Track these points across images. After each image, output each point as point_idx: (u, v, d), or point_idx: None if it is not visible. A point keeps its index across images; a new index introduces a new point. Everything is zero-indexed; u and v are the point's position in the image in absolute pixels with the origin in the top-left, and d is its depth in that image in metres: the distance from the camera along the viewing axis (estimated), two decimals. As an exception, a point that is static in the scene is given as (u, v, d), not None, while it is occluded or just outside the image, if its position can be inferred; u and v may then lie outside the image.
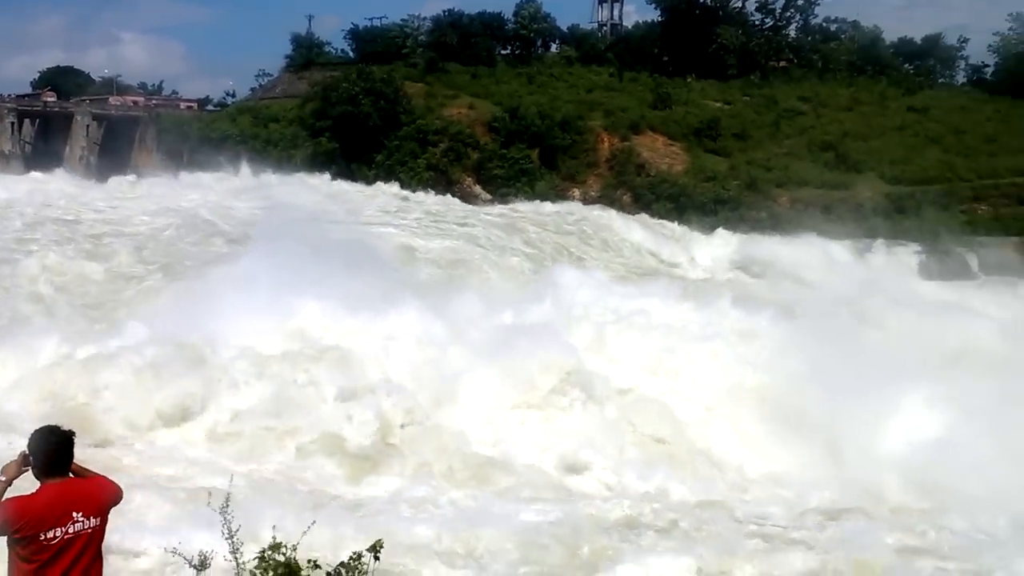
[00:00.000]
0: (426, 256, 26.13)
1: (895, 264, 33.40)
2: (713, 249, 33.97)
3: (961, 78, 59.11)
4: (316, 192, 34.85)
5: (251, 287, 16.51)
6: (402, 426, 14.02)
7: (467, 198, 39.01)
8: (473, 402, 15.32)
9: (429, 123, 42.15)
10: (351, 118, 41.19)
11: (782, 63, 56.75)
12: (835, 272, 30.56)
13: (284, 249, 18.97)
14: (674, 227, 36.00)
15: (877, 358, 18.70)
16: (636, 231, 34.02)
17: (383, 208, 33.31)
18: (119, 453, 12.59)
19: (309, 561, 4.61)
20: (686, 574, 10.34)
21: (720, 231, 35.32)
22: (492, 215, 34.03)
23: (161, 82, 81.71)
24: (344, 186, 37.65)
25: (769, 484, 15.05)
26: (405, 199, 36.25)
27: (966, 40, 58.64)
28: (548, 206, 36.41)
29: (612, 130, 42.76)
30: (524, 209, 35.77)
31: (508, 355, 15.94)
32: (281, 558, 4.48)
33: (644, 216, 36.68)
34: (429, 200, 36.41)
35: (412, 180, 39.28)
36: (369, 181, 38.83)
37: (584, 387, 16.12)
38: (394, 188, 37.80)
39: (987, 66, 57.09)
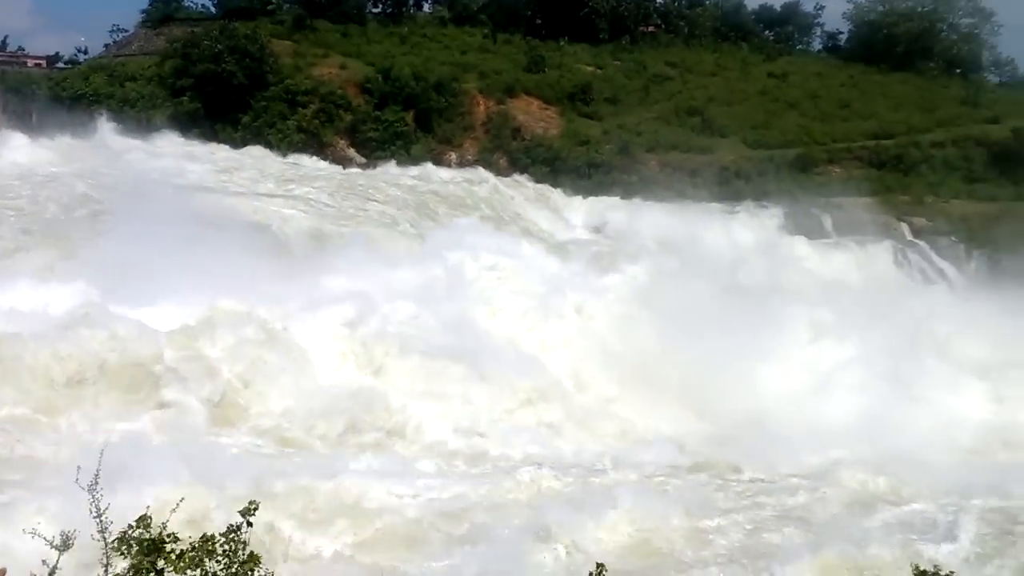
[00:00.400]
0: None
1: (757, 224, 34.92)
2: (587, 212, 34.63)
3: (817, 45, 62.03)
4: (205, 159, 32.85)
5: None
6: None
7: (340, 161, 38.14)
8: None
9: (298, 83, 40.82)
10: (214, 77, 39.42)
11: (650, 28, 57.90)
12: (701, 233, 31.73)
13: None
14: (552, 191, 36.40)
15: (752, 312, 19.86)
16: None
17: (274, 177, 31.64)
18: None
19: (170, 535, 4.44)
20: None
21: (592, 195, 36.10)
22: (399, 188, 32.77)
23: (5, 37, 75.40)
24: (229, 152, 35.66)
25: (645, 440, 15.70)
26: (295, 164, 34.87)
27: (822, 8, 61.56)
28: (444, 173, 36.02)
29: (487, 93, 42.63)
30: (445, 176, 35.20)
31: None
32: (148, 533, 4.31)
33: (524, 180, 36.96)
34: (328, 169, 35.09)
35: (282, 143, 38.07)
36: (235, 143, 37.35)
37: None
38: (260, 151, 36.38)
39: (841, 33, 60.14)
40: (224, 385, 13.87)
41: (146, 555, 4.26)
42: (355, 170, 35.97)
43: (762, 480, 13.92)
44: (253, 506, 4.67)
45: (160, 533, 4.34)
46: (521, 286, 20.01)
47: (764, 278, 25.67)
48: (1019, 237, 35.50)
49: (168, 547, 4.34)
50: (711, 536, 11.54)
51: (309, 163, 35.81)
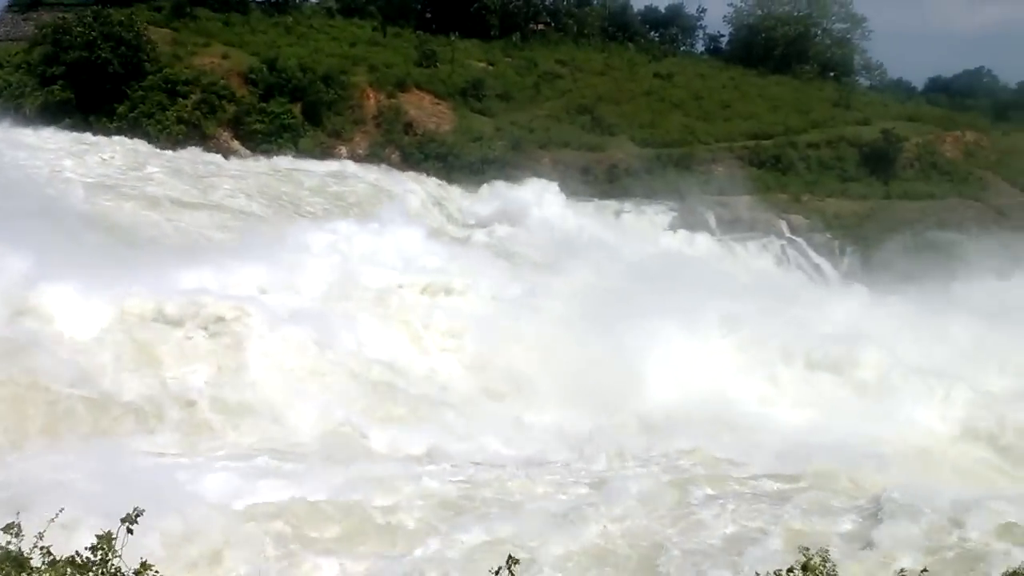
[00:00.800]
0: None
1: (646, 222, 35.77)
2: (479, 207, 34.65)
3: (700, 47, 63.81)
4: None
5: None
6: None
7: (225, 154, 36.81)
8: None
9: (178, 73, 39.08)
10: (87, 65, 37.30)
11: (540, 26, 58.27)
12: (592, 229, 32.28)
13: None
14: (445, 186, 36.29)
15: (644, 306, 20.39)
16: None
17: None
18: None
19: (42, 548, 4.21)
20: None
21: (485, 188, 36.16)
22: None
23: None
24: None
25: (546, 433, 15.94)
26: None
27: (704, 10, 63.24)
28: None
29: (378, 87, 41.96)
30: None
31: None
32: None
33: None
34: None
35: (161, 134, 36.42)
36: (111, 135, 35.49)
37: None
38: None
39: (723, 36, 62.06)
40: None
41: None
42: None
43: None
44: (136, 513, 4.51)
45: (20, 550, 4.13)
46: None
47: (658, 273, 26.32)
48: (887, 234, 37.72)
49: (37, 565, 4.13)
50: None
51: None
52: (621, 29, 59.09)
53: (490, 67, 48.45)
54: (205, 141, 37.34)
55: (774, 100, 48.90)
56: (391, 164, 37.73)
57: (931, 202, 40.32)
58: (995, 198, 41.70)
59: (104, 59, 37.29)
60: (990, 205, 40.79)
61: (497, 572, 5.08)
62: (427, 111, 42.08)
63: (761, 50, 55.25)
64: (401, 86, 42.53)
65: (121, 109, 37.35)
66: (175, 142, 36.01)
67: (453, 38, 51.16)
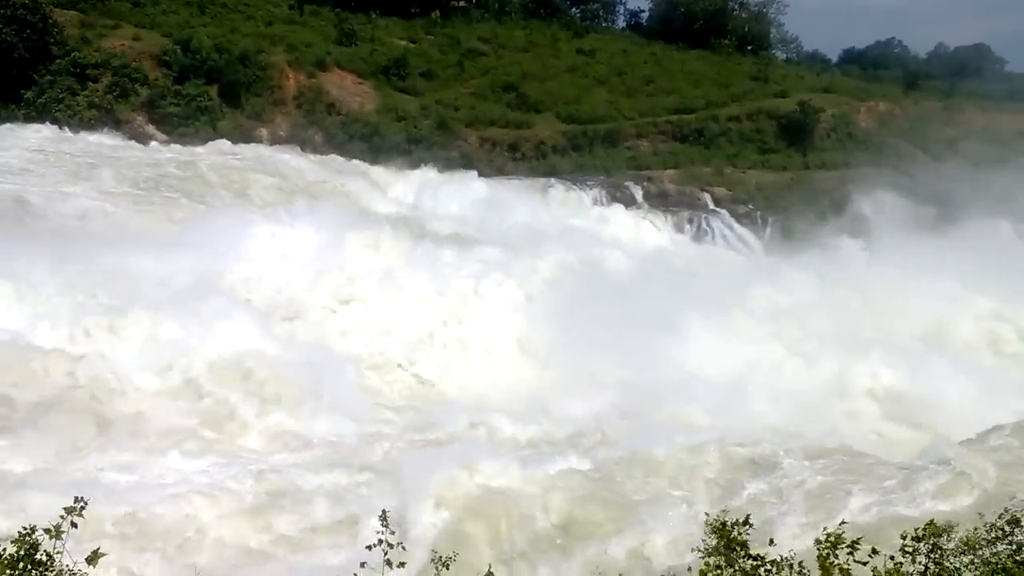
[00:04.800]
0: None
1: (574, 198, 35.94)
2: (408, 189, 34.28)
3: (621, 23, 64.21)
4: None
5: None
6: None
7: (139, 139, 35.60)
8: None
9: (87, 56, 37.55)
10: (-10, 50, 35.60)
11: (461, 3, 57.76)
12: (521, 209, 32.29)
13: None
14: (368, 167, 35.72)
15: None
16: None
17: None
18: None
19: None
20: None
21: (414, 171, 35.76)
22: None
23: None
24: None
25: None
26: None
27: (624, -14, 63.57)
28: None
29: (297, 67, 41.05)
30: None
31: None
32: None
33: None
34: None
35: (72, 119, 35.01)
36: (19, 121, 34.00)
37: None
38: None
39: (643, 11, 62.66)
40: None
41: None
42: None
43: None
44: (80, 504, 4.44)
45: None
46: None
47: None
48: (807, 204, 38.72)
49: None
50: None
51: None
52: (543, 6, 59.00)
53: (412, 45, 47.88)
54: (119, 126, 36.06)
55: (695, 75, 49.59)
56: (314, 146, 37.03)
57: (847, 171, 41.49)
58: (908, 165, 43.12)
59: (8, 43, 35.62)
60: (901, 172, 42.15)
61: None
62: (349, 91, 41.40)
63: (681, 25, 55.90)
64: (321, 66, 41.70)
65: (28, 95, 35.75)
66: (87, 127, 34.69)
67: (373, 16, 50.35)
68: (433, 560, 5.64)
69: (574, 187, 36.65)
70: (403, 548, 5.23)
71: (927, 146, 44.76)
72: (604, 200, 36.70)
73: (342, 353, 18.74)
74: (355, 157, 36.21)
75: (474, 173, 35.47)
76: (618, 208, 35.95)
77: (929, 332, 22.84)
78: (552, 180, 37.05)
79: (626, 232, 33.69)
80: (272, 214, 24.20)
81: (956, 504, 11.82)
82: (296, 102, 40.04)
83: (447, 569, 5.77)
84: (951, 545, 5.79)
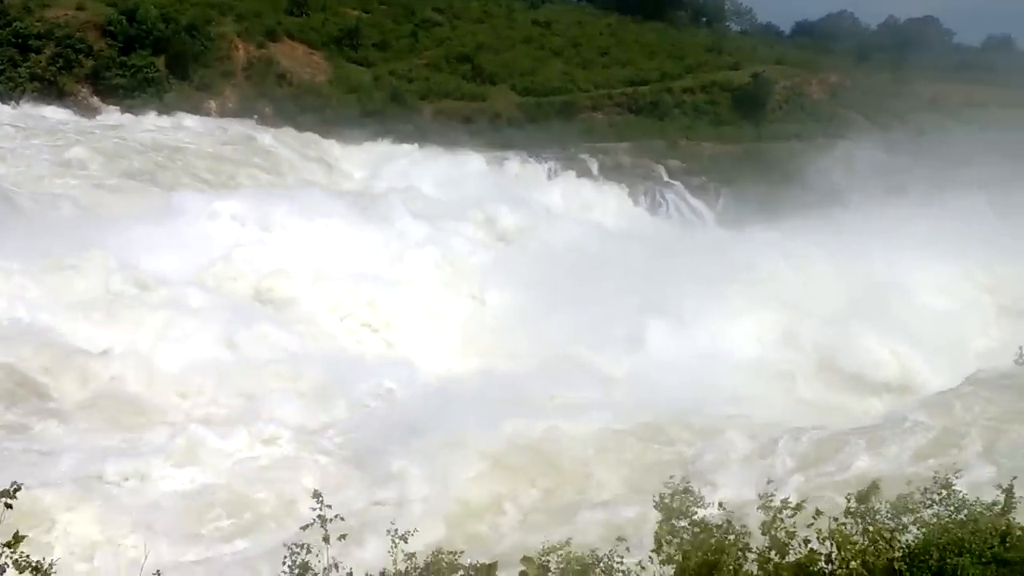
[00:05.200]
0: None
1: (530, 171, 35.88)
2: (362, 162, 33.91)
3: (577, -7, 63.75)
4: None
5: None
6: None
7: (85, 111, 34.71)
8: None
9: (29, 26, 36.36)
10: (-76, 19, 34.32)
11: (416, -28, 56.93)
12: (472, 182, 32.13)
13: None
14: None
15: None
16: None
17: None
18: None
19: None
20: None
21: (367, 144, 35.33)
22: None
23: None
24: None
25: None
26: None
27: (579, -43, 63.07)
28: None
29: (247, 37, 40.25)
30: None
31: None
32: None
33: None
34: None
35: (14, 92, 34.02)
36: (-43, 94, 32.95)
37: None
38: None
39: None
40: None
41: None
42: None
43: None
44: (14, 487, 4.41)
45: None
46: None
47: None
48: (759, 175, 39.10)
49: None
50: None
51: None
52: (498, -25, 58.38)
53: (365, 15, 47.17)
54: (63, 98, 35.10)
55: (650, 46, 49.65)
56: (263, 118, 36.39)
57: (799, 143, 41.95)
58: (857, 137, 43.73)
59: (-57, 12, 34.41)
60: (852, 143, 42.73)
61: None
62: (300, 62, 40.74)
63: (636, -4, 55.81)
64: (271, 36, 40.94)
65: (-34, 66, 34.64)
66: (29, 99, 33.72)
67: (325, -15, 49.46)
68: (390, 532, 5.63)
69: (530, 160, 36.56)
70: (341, 519, 5.24)
71: (877, 117, 45.40)
72: (560, 173, 36.68)
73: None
74: (307, 130, 35.65)
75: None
76: (575, 180, 35.97)
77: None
78: (508, 153, 36.91)
79: (581, 204, 33.76)
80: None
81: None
82: (245, 73, 39.30)
83: (405, 543, 5.80)
84: (884, 507, 5.96)
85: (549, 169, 36.60)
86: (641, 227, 32.91)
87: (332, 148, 34.25)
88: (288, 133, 34.62)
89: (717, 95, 44.61)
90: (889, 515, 5.95)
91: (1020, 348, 16.04)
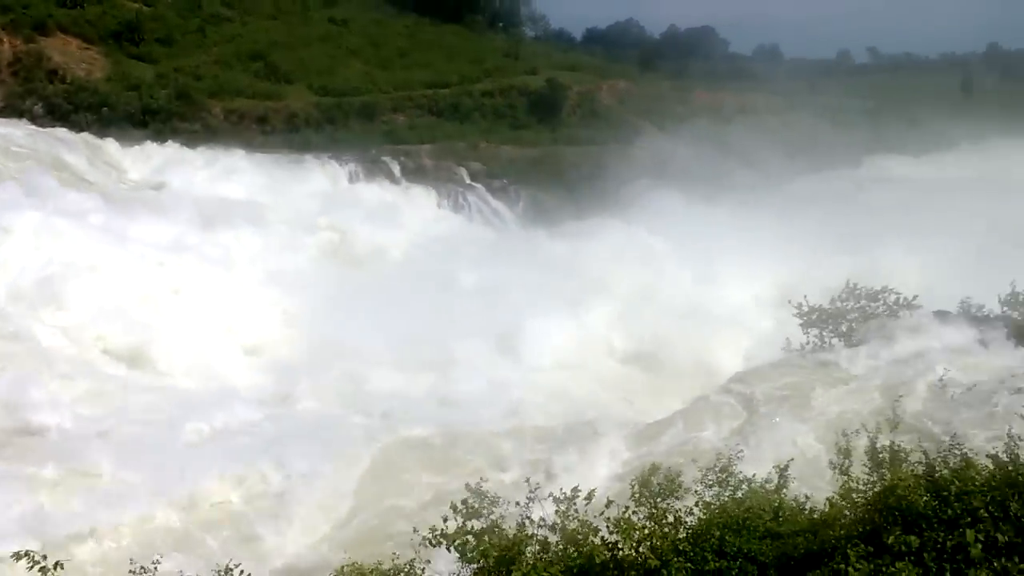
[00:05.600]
0: None
1: (330, 174, 35.07)
2: (142, 163, 31.76)
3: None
4: None
5: None
6: None
7: None
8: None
9: None
10: None
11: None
12: (274, 188, 31.04)
13: None
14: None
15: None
16: None
17: None
18: None
19: None
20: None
21: (149, 144, 33.16)
22: None
23: None
24: None
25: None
26: None
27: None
28: None
29: (12, 30, 36.74)
30: None
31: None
32: None
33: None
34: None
35: None
36: None
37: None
38: None
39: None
40: None
41: None
42: None
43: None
44: None
45: None
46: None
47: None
48: (556, 179, 40.42)
49: None
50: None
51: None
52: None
53: (147, 8, 44.30)
54: None
55: (449, 49, 50.01)
56: (33, 117, 33.33)
57: (592, 147, 43.72)
58: (644, 142, 46.15)
59: None
60: (639, 148, 45.05)
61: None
62: (75, 57, 37.67)
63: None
64: (41, 29, 37.60)
65: None
66: None
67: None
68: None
69: (329, 162, 35.74)
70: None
71: (662, 123, 48.10)
72: (361, 176, 36.14)
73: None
74: (83, 129, 33.00)
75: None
76: (377, 183, 35.57)
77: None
78: (306, 155, 35.89)
79: (385, 207, 33.39)
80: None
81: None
82: (11, 69, 35.87)
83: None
84: (663, 489, 6.26)
85: (350, 172, 35.94)
86: (450, 231, 32.98)
87: (108, 148, 31.78)
88: (56, 133, 31.76)
89: (515, 99, 45.62)
90: (675, 497, 6.25)
91: (787, 339, 17.58)
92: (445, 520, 5.80)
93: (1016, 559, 4.64)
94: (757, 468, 7.46)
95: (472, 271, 23.85)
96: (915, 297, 17.61)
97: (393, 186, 36.15)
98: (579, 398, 17.70)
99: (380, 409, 15.94)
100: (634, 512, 6.05)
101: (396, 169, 37.51)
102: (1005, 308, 16.98)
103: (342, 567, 5.74)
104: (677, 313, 22.05)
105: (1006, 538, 4.95)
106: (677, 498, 6.19)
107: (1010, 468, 6.19)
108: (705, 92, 53.19)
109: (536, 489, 6.10)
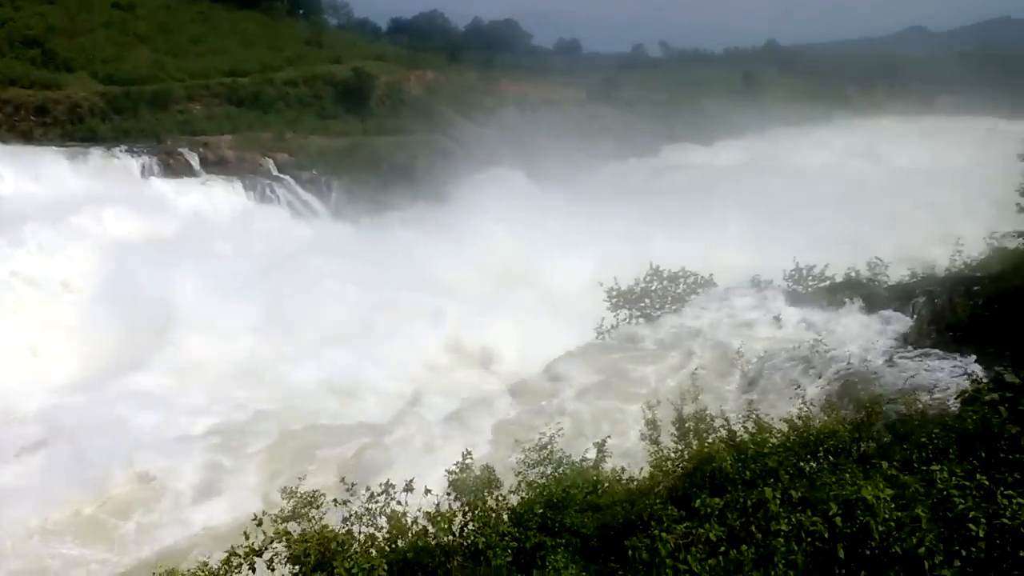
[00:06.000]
0: None
1: (118, 168, 32.76)
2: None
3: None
4: None
5: None
6: None
7: None
8: None
9: None
10: None
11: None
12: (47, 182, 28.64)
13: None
14: None
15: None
16: None
17: None
18: None
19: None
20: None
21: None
22: None
23: None
24: None
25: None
26: None
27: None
28: None
29: None
30: None
31: None
32: None
33: None
34: None
35: None
36: None
37: None
38: None
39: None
40: None
41: None
42: None
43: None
44: None
45: None
46: None
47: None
48: (368, 169, 39.85)
49: None
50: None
51: None
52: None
53: None
54: None
55: (247, 36, 48.00)
56: None
57: (403, 137, 43.45)
58: (455, 131, 46.47)
59: None
60: (451, 138, 45.32)
61: None
62: None
63: (229, -17, 53.56)
64: None
65: None
66: None
67: None
68: None
69: (120, 154, 33.35)
70: None
71: (471, 113, 48.58)
72: (156, 169, 33.99)
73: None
74: None
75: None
76: (174, 176, 33.60)
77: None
78: (93, 147, 33.29)
79: (187, 202, 31.63)
80: None
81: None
82: None
83: None
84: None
85: (143, 165, 33.71)
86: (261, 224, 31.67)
87: None
88: None
89: (321, 88, 44.51)
90: (494, 488, 6.29)
91: (601, 319, 18.25)
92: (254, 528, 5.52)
93: (809, 512, 4.99)
94: (581, 446, 7.68)
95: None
96: (711, 276, 18.75)
97: (192, 179, 34.28)
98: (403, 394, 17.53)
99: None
100: (456, 499, 6.06)
101: (195, 161, 35.62)
102: (788, 282, 18.41)
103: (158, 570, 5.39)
104: (503, 303, 22.38)
105: (799, 493, 5.32)
106: (496, 488, 6.24)
107: (803, 431, 6.70)
108: (512, 83, 54.20)
109: (353, 486, 5.98)
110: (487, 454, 10.61)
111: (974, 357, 11.03)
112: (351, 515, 5.83)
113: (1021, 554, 3.79)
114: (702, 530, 5.23)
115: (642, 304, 18.57)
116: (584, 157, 43.47)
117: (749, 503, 5.44)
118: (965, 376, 10.05)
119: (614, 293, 18.67)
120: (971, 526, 3.98)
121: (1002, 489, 4.16)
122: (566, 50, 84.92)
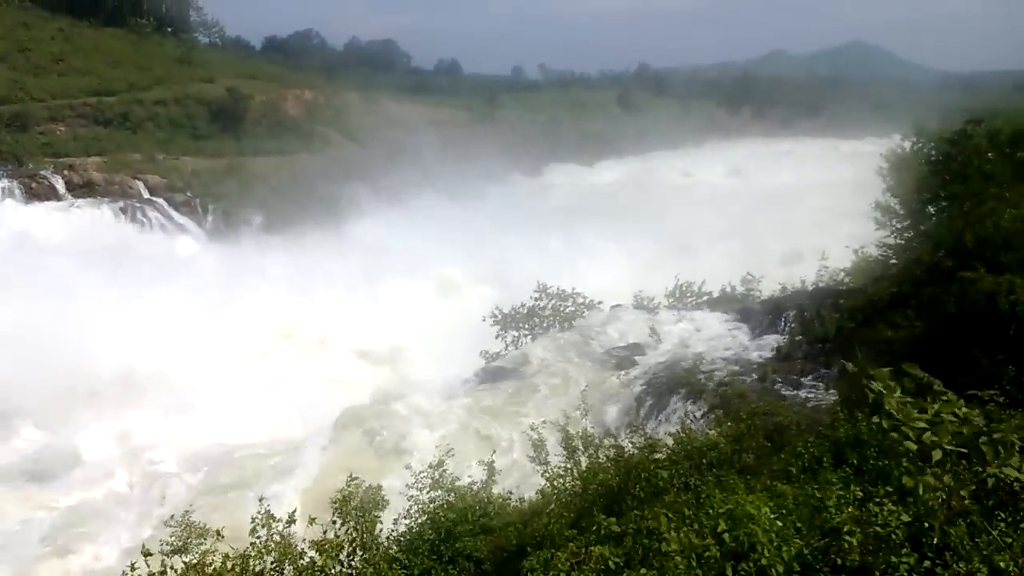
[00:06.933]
0: None
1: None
2: None
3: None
4: None
5: None
6: None
7: None
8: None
9: None
10: None
11: None
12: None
13: None
14: None
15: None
16: None
17: None
18: None
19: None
20: None
21: None
22: None
23: None
24: None
25: None
26: None
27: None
28: None
29: None
30: None
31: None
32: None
33: None
34: None
35: None
36: None
37: None
38: None
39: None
40: None
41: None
42: None
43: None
44: None
45: None
46: None
47: None
48: (246, 190, 38.83)
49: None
50: None
51: None
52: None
53: None
54: None
55: (112, 55, 45.95)
56: None
57: (283, 157, 42.55)
58: (336, 151, 45.87)
59: None
60: (332, 158, 44.69)
61: None
62: None
63: (91, 1, 51.15)
64: None
65: None
66: None
67: None
68: None
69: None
70: None
71: (352, 133, 48.11)
72: (17, 193, 32.12)
73: None
74: None
75: None
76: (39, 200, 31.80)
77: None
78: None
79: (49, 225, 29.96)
80: None
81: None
82: None
83: None
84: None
85: (3, 188, 31.82)
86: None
87: None
88: None
89: (193, 108, 43.10)
90: (380, 509, 6.19)
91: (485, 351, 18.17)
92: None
93: (698, 527, 5.09)
94: (470, 470, 7.66)
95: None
96: (600, 303, 18.99)
97: (56, 203, 32.52)
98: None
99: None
100: (342, 525, 5.92)
101: (59, 184, 33.86)
102: (669, 299, 19.00)
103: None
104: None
105: (690, 512, 5.41)
106: (382, 509, 6.15)
107: (687, 443, 6.88)
108: (393, 104, 54.03)
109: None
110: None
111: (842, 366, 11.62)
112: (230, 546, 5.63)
113: (893, 559, 3.98)
114: (595, 549, 5.27)
115: (531, 322, 18.75)
116: (471, 176, 43.82)
117: (644, 527, 5.51)
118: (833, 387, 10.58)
119: (499, 318, 18.76)
120: (847, 537, 4.15)
121: (875, 499, 4.37)
122: (446, 71, 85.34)
